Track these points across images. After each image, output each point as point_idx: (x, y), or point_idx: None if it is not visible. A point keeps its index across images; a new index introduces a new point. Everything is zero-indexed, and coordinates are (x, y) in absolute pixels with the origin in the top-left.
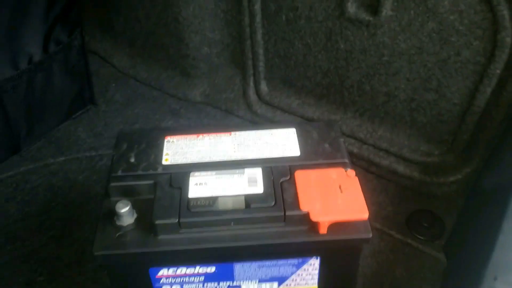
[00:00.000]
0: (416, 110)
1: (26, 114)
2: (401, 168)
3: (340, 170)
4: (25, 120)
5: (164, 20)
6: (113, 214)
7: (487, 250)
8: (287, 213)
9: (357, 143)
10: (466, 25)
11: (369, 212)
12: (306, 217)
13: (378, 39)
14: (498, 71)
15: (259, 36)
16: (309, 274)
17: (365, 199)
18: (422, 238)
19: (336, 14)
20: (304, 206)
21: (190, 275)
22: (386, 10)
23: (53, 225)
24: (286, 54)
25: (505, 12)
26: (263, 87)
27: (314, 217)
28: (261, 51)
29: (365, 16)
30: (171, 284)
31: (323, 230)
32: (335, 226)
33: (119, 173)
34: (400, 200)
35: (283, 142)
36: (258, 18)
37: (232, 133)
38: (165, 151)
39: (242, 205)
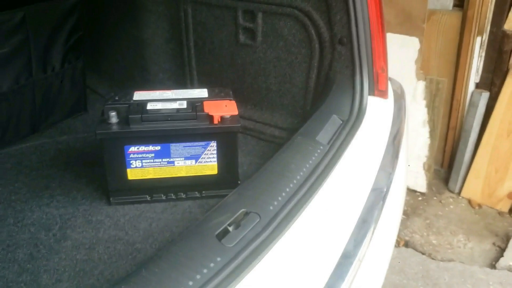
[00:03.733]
0: (282, 97)
1: (45, 106)
2: (277, 133)
3: (227, 101)
4: (44, 110)
5: (134, 58)
6: (107, 118)
7: None
8: (197, 113)
9: (252, 122)
10: (298, 41)
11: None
12: (207, 116)
13: (257, 55)
14: (316, 64)
15: (193, 62)
16: (211, 154)
17: (257, 156)
18: None
19: (234, 42)
20: (206, 110)
21: (146, 152)
22: (259, 37)
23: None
24: (209, 71)
25: (313, 32)
26: None
27: (210, 113)
28: (194, 72)
29: (249, 41)
30: (135, 158)
31: (216, 121)
32: (222, 121)
33: (109, 103)
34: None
35: (201, 93)
36: (192, 52)
37: (173, 90)
38: (135, 95)
39: (175, 111)
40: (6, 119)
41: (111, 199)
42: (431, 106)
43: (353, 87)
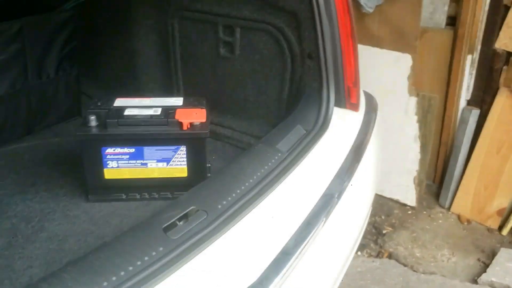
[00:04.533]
0: (259, 107)
1: (40, 109)
2: (253, 141)
3: (198, 109)
4: (39, 113)
5: (126, 67)
6: (87, 122)
7: None
8: (169, 120)
9: (230, 130)
10: (272, 55)
11: None
12: (177, 122)
13: (235, 67)
14: (288, 77)
15: (179, 73)
16: (181, 158)
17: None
18: None
19: (215, 55)
20: (177, 117)
21: (121, 153)
22: (237, 51)
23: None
24: (194, 82)
25: (285, 46)
26: None
27: (180, 119)
28: (180, 83)
29: (228, 54)
30: (112, 159)
31: (185, 127)
32: (192, 127)
33: (91, 107)
34: None
35: (176, 101)
36: (179, 63)
37: (152, 98)
38: (116, 101)
39: (149, 117)
40: (3, 121)
41: (89, 196)
42: (423, 122)
43: (320, 99)
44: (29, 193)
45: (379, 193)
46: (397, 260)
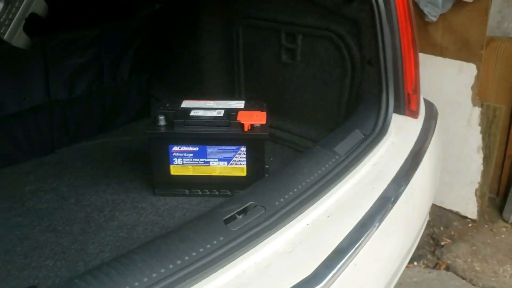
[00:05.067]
0: (317, 112)
1: (113, 109)
2: (310, 145)
3: (259, 112)
4: (112, 113)
5: (193, 72)
6: (156, 121)
7: None
8: (231, 121)
9: (290, 134)
10: (332, 61)
11: None
12: (238, 123)
13: (296, 73)
14: (348, 83)
15: (241, 78)
16: (241, 157)
17: None
18: None
19: (277, 61)
20: (239, 119)
21: (186, 152)
22: (298, 57)
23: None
24: (256, 87)
25: (346, 53)
26: None
27: (241, 121)
28: (242, 87)
29: (289, 61)
30: (178, 156)
31: (246, 129)
32: (252, 129)
33: (160, 108)
34: None
35: (238, 104)
36: (241, 69)
37: (216, 101)
38: (183, 103)
39: (212, 118)
40: (79, 119)
41: (155, 190)
42: (487, 133)
43: (379, 105)
44: (102, 185)
45: (439, 204)
46: (455, 273)
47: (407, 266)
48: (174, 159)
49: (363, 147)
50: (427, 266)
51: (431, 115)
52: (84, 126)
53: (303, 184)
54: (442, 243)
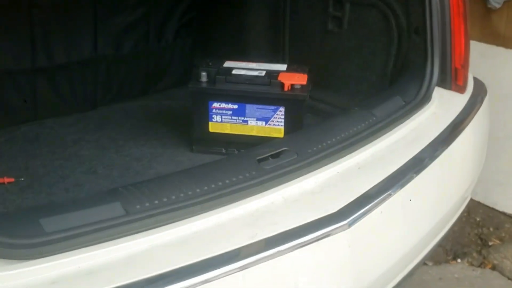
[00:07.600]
0: (361, 82)
1: (155, 73)
2: None
3: (300, 74)
4: (155, 76)
5: (237, 41)
6: (198, 77)
7: None
8: (271, 80)
9: (330, 106)
10: (379, 30)
11: None
12: (279, 83)
13: (342, 41)
14: (393, 52)
15: (286, 48)
16: (280, 118)
17: None
18: None
19: (323, 30)
20: (279, 79)
21: (226, 109)
22: (345, 25)
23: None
24: (300, 57)
25: (393, 21)
26: None
27: (282, 81)
28: (287, 57)
29: (336, 29)
30: (217, 113)
31: (286, 88)
32: (292, 90)
33: (203, 66)
34: None
35: (280, 67)
36: (287, 38)
37: (258, 63)
38: (225, 63)
39: (253, 77)
40: (122, 78)
41: (193, 147)
42: None
43: (423, 75)
44: (141, 140)
45: (491, 205)
46: (500, 273)
47: (449, 262)
48: (213, 116)
49: (402, 112)
50: (471, 264)
51: (479, 92)
52: (127, 86)
53: (337, 137)
54: (490, 243)
